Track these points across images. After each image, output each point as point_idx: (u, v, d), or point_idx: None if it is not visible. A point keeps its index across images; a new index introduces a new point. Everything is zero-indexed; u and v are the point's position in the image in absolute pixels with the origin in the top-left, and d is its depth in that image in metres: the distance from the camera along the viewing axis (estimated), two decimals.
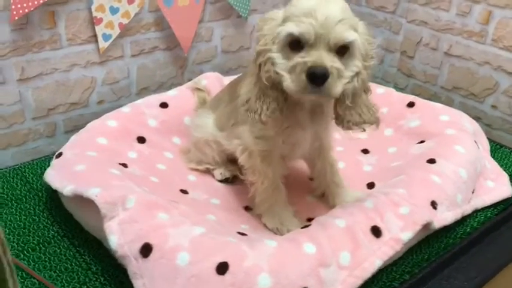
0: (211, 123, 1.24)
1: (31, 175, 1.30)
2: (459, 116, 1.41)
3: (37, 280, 0.97)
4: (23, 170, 1.32)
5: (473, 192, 1.23)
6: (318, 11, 0.86)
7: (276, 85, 0.93)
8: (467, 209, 1.17)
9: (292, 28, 0.88)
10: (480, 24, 1.59)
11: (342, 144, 1.45)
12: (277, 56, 0.91)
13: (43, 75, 1.38)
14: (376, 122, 1.01)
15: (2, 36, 1.26)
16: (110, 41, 1.43)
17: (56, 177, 1.10)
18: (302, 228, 1.00)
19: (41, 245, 1.08)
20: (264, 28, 0.93)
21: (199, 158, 1.28)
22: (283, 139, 1.06)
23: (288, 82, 0.89)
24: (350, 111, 0.96)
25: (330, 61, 0.87)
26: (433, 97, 1.79)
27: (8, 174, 1.30)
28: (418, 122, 1.42)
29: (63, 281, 0.98)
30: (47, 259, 1.04)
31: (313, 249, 0.90)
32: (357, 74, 0.93)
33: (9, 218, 1.15)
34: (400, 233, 0.98)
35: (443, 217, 1.08)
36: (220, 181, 1.28)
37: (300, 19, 0.87)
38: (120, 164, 1.18)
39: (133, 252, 0.89)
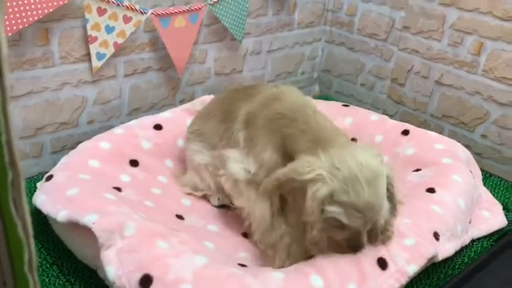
0: (200, 146, 1.22)
1: None
2: (453, 144, 1.42)
3: None
4: None
5: (470, 222, 1.23)
6: (371, 210, 0.90)
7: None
8: (466, 240, 1.17)
9: (344, 219, 0.90)
10: (472, 54, 1.61)
11: None
12: (322, 227, 0.93)
13: (32, 94, 1.33)
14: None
15: None
16: (104, 60, 1.40)
17: (47, 201, 1.05)
18: (308, 259, 0.97)
19: None
20: (310, 192, 0.91)
21: (195, 183, 1.25)
22: None
23: (328, 250, 0.95)
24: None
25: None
26: (423, 125, 1.80)
27: None
28: (413, 150, 1.42)
29: None
30: None
31: (321, 282, 0.88)
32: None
33: None
34: (407, 266, 0.97)
35: (446, 248, 1.07)
36: (217, 206, 1.25)
37: (352, 213, 0.90)
38: (114, 187, 1.14)
39: (132, 283, 0.85)
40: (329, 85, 2.14)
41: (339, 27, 2.02)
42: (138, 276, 0.85)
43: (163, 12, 1.44)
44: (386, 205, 0.95)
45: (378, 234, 0.98)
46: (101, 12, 1.33)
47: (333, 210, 0.90)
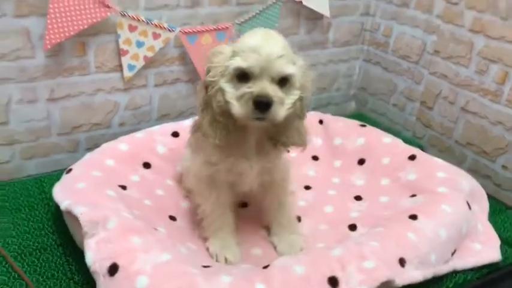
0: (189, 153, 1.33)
1: (48, 185, 1.44)
2: (457, 174, 1.41)
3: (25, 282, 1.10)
4: (42, 179, 1.47)
5: (453, 253, 1.23)
6: (262, 48, 0.99)
7: (225, 112, 1.04)
8: (443, 269, 1.17)
9: (240, 62, 1.00)
10: (496, 83, 1.58)
11: (337, 189, 1.49)
12: (226, 86, 1.03)
13: (70, 97, 1.53)
14: (303, 145, 1.14)
15: (38, 61, 1.43)
16: (134, 71, 1.57)
17: (59, 191, 1.23)
18: (264, 268, 1.05)
19: (37, 251, 1.20)
20: (214, 61, 1.05)
21: (188, 186, 1.37)
22: (227, 167, 1.14)
23: (237, 108, 1.01)
24: (281, 133, 1.10)
25: (273, 91, 1.00)
26: (447, 150, 1.78)
27: (28, 183, 1.45)
28: (415, 175, 1.44)
29: (47, 287, 1.10)
30: (39, 264, 1.16)
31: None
32: (296, 101, 1.06)
33: (18, 223, 1.29)
34: (358, 287, 1.01)
35: (411, 275, 1.09)
36: None
37: (247, 54, 1.00)
38: (119, 185, 1.30)
39: (102, 270, 0.99)
40: (364, 103, 2.17)
41: (375, 47, 2.04)
42: (108, 264, 0.99)
43: (190, 31, 1.59)
44: (290, 65, 1.02)
45: (294, 118, 1.08)
46: (132, 28, 1.50)
47: (232, 61, 1.01)
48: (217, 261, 1.18)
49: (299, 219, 1.35)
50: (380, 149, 1.57)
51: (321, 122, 1.74)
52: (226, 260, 1.17)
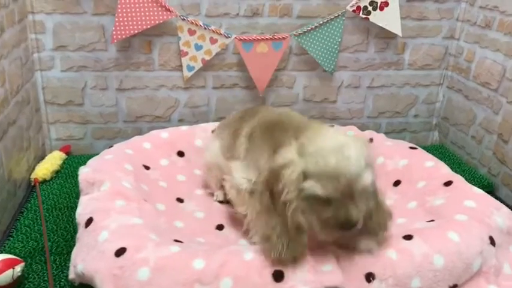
0: (218, 147, 1.38)
1: None
2: (491, 206, 1.23)
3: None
4: None
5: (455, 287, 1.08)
6: (341, 173, 0.92)
7: (300, 228, 0.98)
8: None
9: (318, 190, 0.93)
10: None
11: None
12: (306, 208, 0.96)
13: (136, 89, 1.75)
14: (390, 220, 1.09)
15: (110, 54, 1.68)
16: (193, 72, 1.73)
17: (91, 161, 1.40)
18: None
19: None
20: (285, 175, 0.96)
21: (206, 180, 1.44)
22: None
23: (321, 234, 0.98)
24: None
25: (357, 213, 0.94)
26: None
27: None
28: (442, 201, 1.29)
29: None
30: None
31: (201, 265, 0.98)
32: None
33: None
34: (301, 286, 0.96)
35: None
36: (219, 202, 1.41)
37: (324, 181, 0.92)
38: (143, 165, 1.43)
39: (82, 222, 1.12)
40: (446, 133, 2.00)
41: (458, 72, 1.89)
42: (86, 217, 1.12)
43: (246, 38, 1.69)
44: (366, 174, 0.95)
45: (372, 215, 1.01)
46: (191, 32, 1.66)
47: (308, 186, 0.94)
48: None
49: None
50: (419, 172, 1.45)
51: (371, 140, 1.67)
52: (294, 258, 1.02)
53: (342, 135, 1.02)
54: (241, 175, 1.20)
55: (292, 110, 1.32)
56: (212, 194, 1.44)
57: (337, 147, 0.95)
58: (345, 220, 0.93)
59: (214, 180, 1.40)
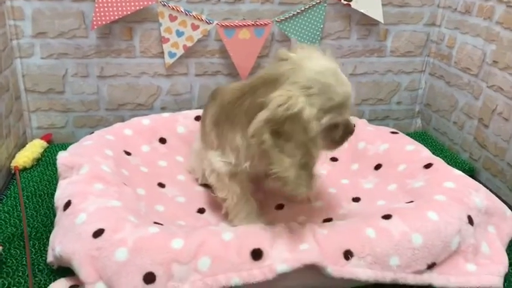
0: (199, 137, 1.38)
1: None
2: (470, 188, 1.24)
3: None
4: None
5: (432, 266, 1.08)
6: (347, 99, 1.06)
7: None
8: (408, 278, 1.05)
9: (339, 119, 1.06)
10: None
11: (339, 188, 1.42)
12: (322, 136, 1.04)
13: (117, 76, 1.73)
14: None
15: (90, 41, 1.66)
16: (175, 58, 1.72)
17: (70, 147, 1.39)
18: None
19: None
20: (304, 115, 0.97)
21: (192, 166, 1.43)
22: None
23: (328, 149, 1.14)
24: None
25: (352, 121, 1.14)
26: (500, 174, 1.56)
27: None
28: (421, 183, 1.30)
29: None
30: None
31: (180, 245, 0.98)
32: None
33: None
34: (279, 264, 0.97)
35: (354, 270, 1.01)
36: (202, 185, 1.41)
37: (339, 111, 1.04)
38: (124, 150, 1.43)
39: (60, 205, 1.12)
40: (428, 120, 2.01)
41: (440, 59, 1.90)
42: (65, 201, 1.11)
43: (228, 24, 1.68)
44: None
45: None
46: (172, 18, 1.65)
47: (327, 119, 1.02)
48: None
49: (281, 206, 1.33)
50: (399, 156, 1.46)
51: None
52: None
53: (318, 64, 1.04)
54: (219, 159, 1.18)
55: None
56: (196, 180, 1.44)
57: (334, 75, 1.04)
58: (351, 132, 1.12)
59: (194, 166, 1.40)
